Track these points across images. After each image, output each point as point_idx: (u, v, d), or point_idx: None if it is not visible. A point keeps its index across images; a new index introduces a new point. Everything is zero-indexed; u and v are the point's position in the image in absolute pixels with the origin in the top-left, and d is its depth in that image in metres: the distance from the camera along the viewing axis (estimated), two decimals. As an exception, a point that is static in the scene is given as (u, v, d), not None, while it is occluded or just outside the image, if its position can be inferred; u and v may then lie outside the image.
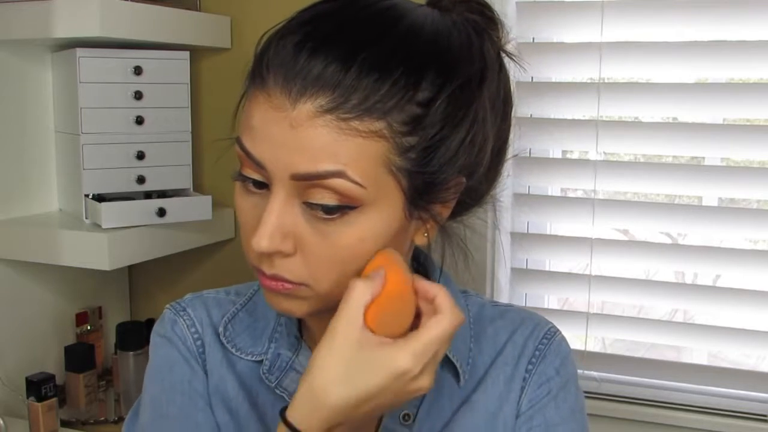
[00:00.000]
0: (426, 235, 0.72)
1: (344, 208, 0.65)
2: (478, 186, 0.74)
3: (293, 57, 0.64)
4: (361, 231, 0.66)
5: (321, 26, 0.66)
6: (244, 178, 0.68)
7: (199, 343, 0.81)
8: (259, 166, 0.66)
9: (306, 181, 0.64)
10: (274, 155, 0.64)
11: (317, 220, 0.66)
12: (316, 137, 0.63)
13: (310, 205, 0.65)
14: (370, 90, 0.63)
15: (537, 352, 0.80)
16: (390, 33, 0.66)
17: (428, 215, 0.71)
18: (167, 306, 0.84)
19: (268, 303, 0.71)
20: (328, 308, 0.69)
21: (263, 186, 0.67)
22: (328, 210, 0.65)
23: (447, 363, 0.78)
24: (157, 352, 0.82)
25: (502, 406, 0.78)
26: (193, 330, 0.81)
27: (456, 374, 0.78)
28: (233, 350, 0.80)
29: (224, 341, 0.80)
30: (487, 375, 0.79)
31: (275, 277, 0.68)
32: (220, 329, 0.81)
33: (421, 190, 0.68)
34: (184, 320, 0.82)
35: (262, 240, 0.65)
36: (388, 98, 0.64)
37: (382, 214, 0.67)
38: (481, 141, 0.71)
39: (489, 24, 0.73)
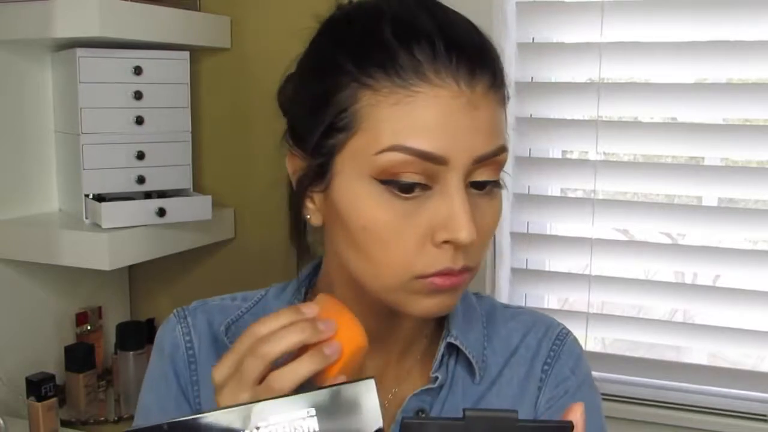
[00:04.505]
0: None
1: (497, 181, 0.68)
2: None
3: (437, 47, 0.65)
4: (501, 199, 0.70)
5: (429, 14, 0.67)
6: (399, 184, 0.65)
7: (191, 353, 0.81)
8: (438, 163, 0.64)
9: (484, 161, 0.65)
10: (460, 144, 0.64)
11: (476, 197, 0.67)
12: (493, 113, 0.66)
13: (474, 184, 0.67)
14: (498, 60, 0.68)
15: (551, 353, 0.80)
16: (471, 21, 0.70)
17: None
18: (174, 310, 0.84)
19: (427, 311, 0.68)
20: None
21: (412, 188, 0.65)
22: (483, 185, 0.67)
23: (462, 360, 0.79)
24: (154, 361, 0.83)
25: (517, 407, 0.78)
26: (187, 339, 0.81)
27: (471, 371, 0.78)
28: None
29: (226, 342, 0.80)
30: (500, 375, 0.80)
31: (464, 269, 0.67)
32: (222, 328, 0.81)
33: None
34: (182, 327, 0.82)
35: (469, 231, 0.64)
36: (501, 64, 0.69)
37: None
38: None
39: None
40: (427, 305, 0.68)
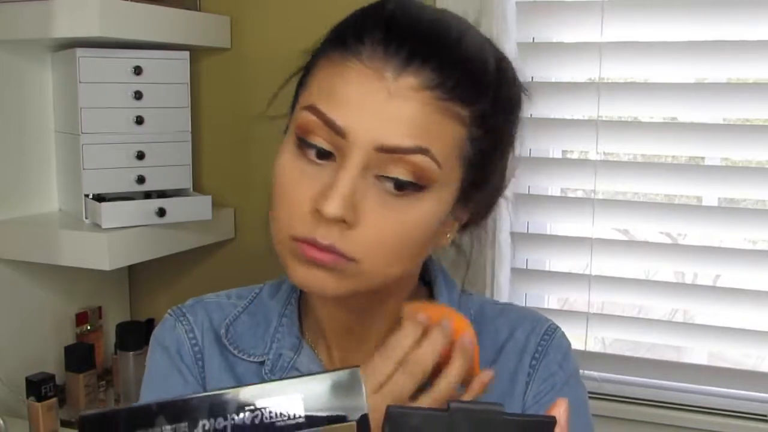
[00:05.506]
0: (448, 236, 0.74)
1: (416, 185, 0.66)
2: (488, 202, 0.77)
3: (396, 31, 0.65)
4: (424, 212, 0.68)
5: (413, 10, 0.68)
6: (308, 145, 0.67)
7: (196, 349, 0.81)
8: (338, 134, 0.65)
9: (390, 153, 0.65)
10: (363, 124, 0.64)
11: (386, 194, 0.66)
12: (414, 111, 0.65)
13: (382, 179, 0.66)
14: (469, 75, 0.66)
15: (539, 348, 0.81)
16: (474, 32, 0.70)
17: (455, 216, 0.73)
18: (169, 310, 0.84)
19: (300, 280, 0.69)
20: (359, 293, 0.70)
21: (326, 156, 0.67)
22: (400, 185, 0.66)
23: None
24: (154, 360, 0.82)
25: (505, 402, 0.79)
26: (191, 335, 0.82)
27: None
28: (235, 351, 0.80)
29: (226, 343, 0.80)
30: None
31: (330, 248, 0.66)
32: (222, 331, 0.81)
33: (469, 185, 0.71)
34: (183, 325, 0.82)
35: (332, 204, 0.64)
36: (479, 87, 0.67)
37: (442, 199, 0.69)
38: (506, 159, 0.75)
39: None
40: (302, 274, 0.68)
